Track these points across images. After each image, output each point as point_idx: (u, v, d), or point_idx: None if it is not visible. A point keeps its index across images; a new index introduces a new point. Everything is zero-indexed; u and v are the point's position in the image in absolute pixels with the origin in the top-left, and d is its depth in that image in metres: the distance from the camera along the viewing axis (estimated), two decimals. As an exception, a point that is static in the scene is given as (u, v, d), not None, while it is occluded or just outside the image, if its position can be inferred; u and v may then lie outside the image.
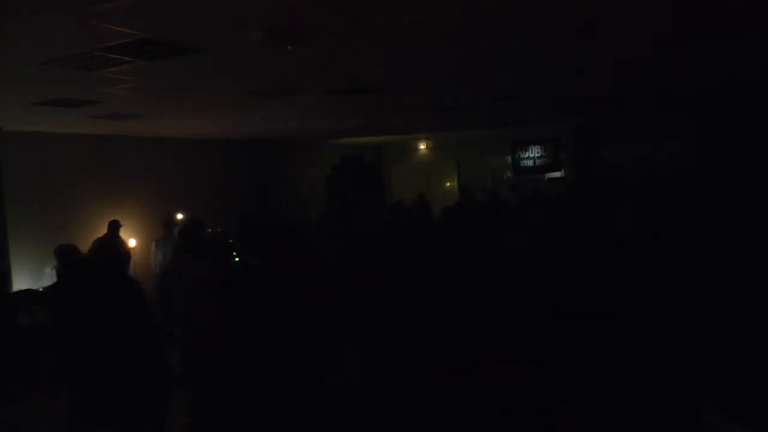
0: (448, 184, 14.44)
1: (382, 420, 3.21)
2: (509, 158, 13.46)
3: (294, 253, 3.20)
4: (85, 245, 4.70)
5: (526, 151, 13.28)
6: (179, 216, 8.83)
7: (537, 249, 3.45)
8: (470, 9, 3.80)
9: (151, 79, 5.26)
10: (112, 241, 7.46)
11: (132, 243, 8.63)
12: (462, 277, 3.45)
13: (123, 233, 8.04)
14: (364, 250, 4.09)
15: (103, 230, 7.85)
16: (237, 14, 3.59)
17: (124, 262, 3.59)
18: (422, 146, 14.77)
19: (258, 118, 8.30)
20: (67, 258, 4.52)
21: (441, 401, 3.19)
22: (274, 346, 2.73)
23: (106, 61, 4.46)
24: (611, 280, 2.93)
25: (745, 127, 10.09)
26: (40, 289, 7.33)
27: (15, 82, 5.09)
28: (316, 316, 3.00)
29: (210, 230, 7.66)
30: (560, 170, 12.98)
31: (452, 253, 3.87)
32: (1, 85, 5.22)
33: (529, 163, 13.27)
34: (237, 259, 7.57)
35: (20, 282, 7.53)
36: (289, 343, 2.75)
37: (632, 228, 3.57)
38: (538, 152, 13.17)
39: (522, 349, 2.84)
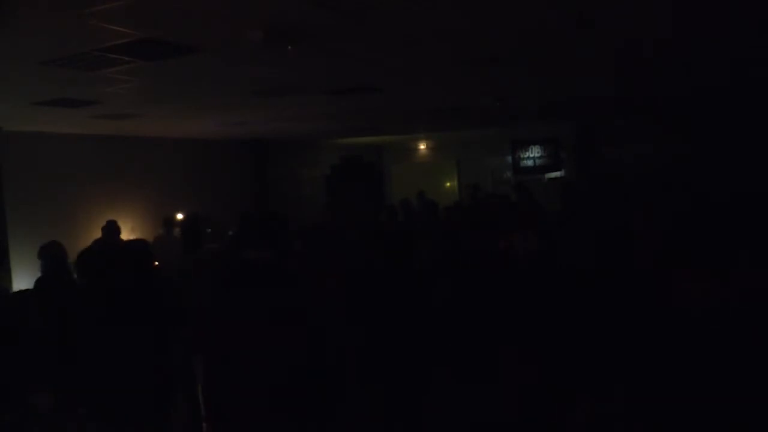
0: (448, 184, 14.43)
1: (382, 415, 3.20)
2: (509, 158, 13.45)
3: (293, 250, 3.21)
4: (85, 245, 4.68)
5: (526, 151, 13.26)
6: (179, 216, 8.88)
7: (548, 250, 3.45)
8: (470, 9, 3.80)
9: (151, 79, 5.26)
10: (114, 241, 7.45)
11: (132, 243, 8.65)
12: (476, 277, 3.44)
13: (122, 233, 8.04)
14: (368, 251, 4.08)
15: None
16: (237, 14, 3.59)
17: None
18: (422, 146, 14.74)
19: (258, 118, 8.30)
20: (52, 256, 4.46)
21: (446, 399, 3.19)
22: (272, 330, 2.71)
23: (106, 61, 4.45)
24: (626, 280, 2.93)
25: (744, 128, 10.07)
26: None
27: (15, 82, 5.08)
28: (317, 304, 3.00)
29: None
30: (560, 170, 12.96)
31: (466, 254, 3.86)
32: (1, 85, 5.22)
33: (529, 163, 13.25)
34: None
35: (20, 282, 7.52)
36: (288, 326, 2.73)
37: (641, 228, 3.57)
38: (538, 152, 13.15)
39: (540, 348, 2.83)
